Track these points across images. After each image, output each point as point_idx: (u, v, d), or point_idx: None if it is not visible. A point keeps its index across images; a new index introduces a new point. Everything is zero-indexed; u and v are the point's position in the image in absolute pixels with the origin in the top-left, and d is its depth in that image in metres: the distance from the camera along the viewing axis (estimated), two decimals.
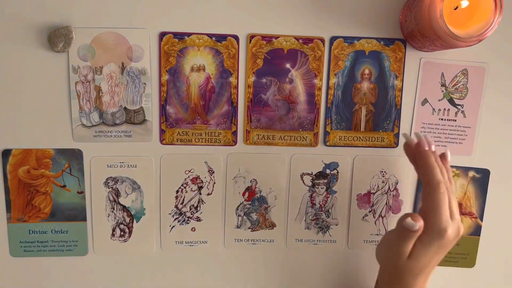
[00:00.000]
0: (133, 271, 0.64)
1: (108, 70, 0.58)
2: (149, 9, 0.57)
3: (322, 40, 0.59)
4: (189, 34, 0.58)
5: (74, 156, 0.60)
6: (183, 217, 0.62)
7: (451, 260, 0.65)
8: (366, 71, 0.60)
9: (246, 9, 0.58)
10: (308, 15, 0.58)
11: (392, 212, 0.64)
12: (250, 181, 0.62)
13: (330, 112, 0.61)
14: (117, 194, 0.61)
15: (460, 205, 0.64)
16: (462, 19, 0.51)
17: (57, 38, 0.56)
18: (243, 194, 0.62)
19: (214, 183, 0.62)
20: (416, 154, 0.52)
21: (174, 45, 0.58)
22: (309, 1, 0.58)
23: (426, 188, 0.49)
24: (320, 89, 0.60)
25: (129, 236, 0.62)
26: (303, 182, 0.62)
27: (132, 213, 0.62)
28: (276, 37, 0.59)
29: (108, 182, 0.61)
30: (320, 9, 0.58)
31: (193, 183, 0.61)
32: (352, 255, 0.65)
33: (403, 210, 0.64)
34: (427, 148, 0.51)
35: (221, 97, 0.60)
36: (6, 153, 0.59)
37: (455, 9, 0.51)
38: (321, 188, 0.63)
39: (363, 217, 0.64)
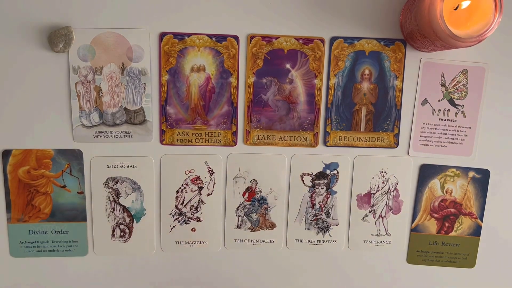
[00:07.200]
0: (133, 271, 0.64)
1: (108, 71, 0.58)
2: (149, 9, 0.57)
3: (322, 41, 0.59)
4: (189, 35, 0.58)
5: (74, 156, 0.60)
6: (183, 217, 0.62)
7: (451, 260, 0.65)
8: (366, 72, 0.60)
9: (246, 9, 0.58)
10: (308, 15, 0.58)
11: (392, 213, 0.64)
12: (250, 181, 0.62)
13: (330, 112, 0.61)
14: (117, 194, 0.61)
15: (460, 205, 0.64)
16: (462, 19, 0.51)
17: (57, 38, 0.56)
18: (243, 195, 0.62)
19: (214, 183, 0.62)
20: None
21: (174, 45, 0.58)
22: (309, 1, 0.58)
23: None
24: (320, 89, 0.60)
25: (129, 236, 0.62)
26: (303, 182, 0.62)
27: (132, 214, 0.62)
28: (276, 38, 0.59)
29: (108, 183, 0.61)
30: (320, 9, 0.58)
31: (193, 184, 0.61)
32: (352, 255, 0.65)
33: (403, 211, 0.64)
34: None
35: (221, 98, 0.60)
36: (6, 153, 0.59)
37: (455, 9, 0.51)
38: (321, 188, 0.63)
39: (363, 218, 0.64)
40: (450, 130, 0.62)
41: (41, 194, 0.60)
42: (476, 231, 0.65)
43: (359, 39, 0.59)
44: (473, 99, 0.61)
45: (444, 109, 0.61)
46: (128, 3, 0.57)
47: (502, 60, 0.60)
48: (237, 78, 0.59)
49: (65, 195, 0.61)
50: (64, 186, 0.60)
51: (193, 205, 0.62)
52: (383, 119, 0.61)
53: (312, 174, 0.62)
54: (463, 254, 0.65)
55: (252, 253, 0.64)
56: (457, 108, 0.61)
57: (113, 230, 0.62)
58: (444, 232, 0.64)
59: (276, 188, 0.62)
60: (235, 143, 0.61)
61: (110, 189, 0.61)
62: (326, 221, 0.64)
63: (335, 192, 0.63)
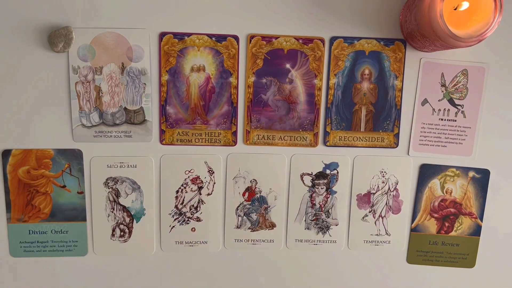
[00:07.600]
0: (133, 271, 0.64)
1: (108, 70, 0.58)
2: (149, 9, 0.57)
3: (322, 40, 0.59)
4: (189, 34, 0.58)
5: (74, 156, 0.60)
6: (183, 217, 0.62)
7: (451, 260, 0.65)
8: (366, 71, 0.60)
9: (246, 9, 0.58)
10: (308, 15, 0.58)
11: (392, 213, 0.64)
12: (250, 181, 0.62)
13: (330, 112, 0.61)
14: (117, 194, 0.61)
15: (460, 205, 0.64)
16: (462, 19, 0.51)
17: (57, 38, 0.56)
18: (243, 194, 0.62)
19: (214, 183, 0.62)
20: None
21: (174, 45, 0.58)
22: (309, 1, 0.58)
23: None
24: (320, 89, 0.60)
25: (129, 236, 0.62)
26: (303, 182, 0.62)
27: (132, 213, 0.62)
28: (276, 37, 0.59)
29: (108, 182, 0.61)
30: (320, 9, 0.58)
31: (193, 183, 0.61)
32: (352, 255, 0.65)
33: (403, 210, 0.64)
34: None
35: (221, 97, 0.60)
36: (6, 153, 0.59)
37: (455, 9, 0.51)
38: (321, 188, 0.63)
39: (363, 217, 0.64)
40: (450, 130, 0.62)
41: (41, 194, 0.60)
42: (476, 231, 0.65)
43: (359, 39, 0.59)
44: (473, 99, 0.61)
45: (444, 109, 0.61)
46: (128, 3, 0.57)
47: (502, 59, 0.60)
48: (237, 78, 0.59)
49: (65, 195, 0.61)
50: (64, 186, 0.60)
51: (193, 205, 0.62)
52: (383, 119, 0.61)
53: (312, 174, 0.62)
54: (463, 254, 0.65)
55: (252, 253, 0.64)
56: (457, 108, 0.61)
57: (113, 230, 0.62)
58: (444, 232, 0.64)
59: (276, 188, 0.62)
60: (235, 143, 0.61)
61: (110, 189, 0.61)
62: (326, 221, 0.64)
63: (335, 192, 0.63)
